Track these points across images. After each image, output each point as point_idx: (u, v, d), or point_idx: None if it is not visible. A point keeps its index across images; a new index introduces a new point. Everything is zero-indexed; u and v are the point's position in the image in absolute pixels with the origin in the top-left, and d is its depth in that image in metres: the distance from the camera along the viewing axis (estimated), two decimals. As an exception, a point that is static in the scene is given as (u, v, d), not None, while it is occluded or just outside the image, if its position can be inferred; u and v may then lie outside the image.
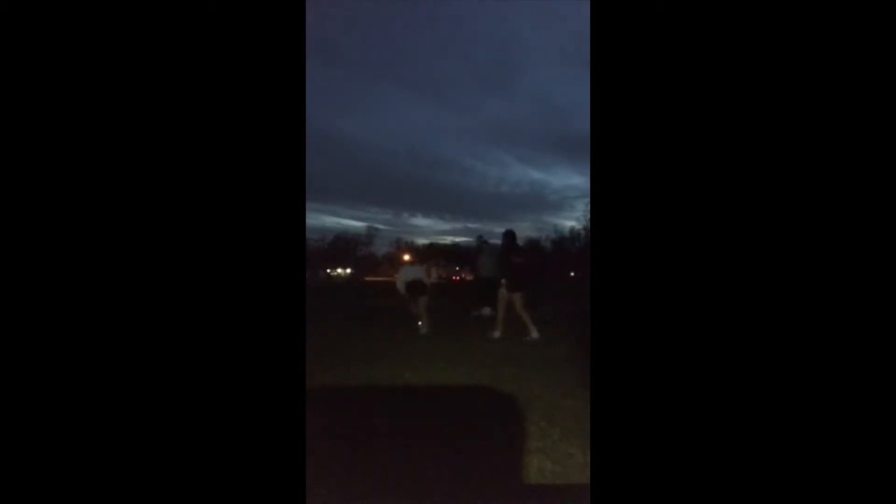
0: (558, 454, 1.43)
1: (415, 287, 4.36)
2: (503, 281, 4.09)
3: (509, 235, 4.27)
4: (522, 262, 4.13)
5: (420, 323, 4.35)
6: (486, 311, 5.72)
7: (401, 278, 4.49)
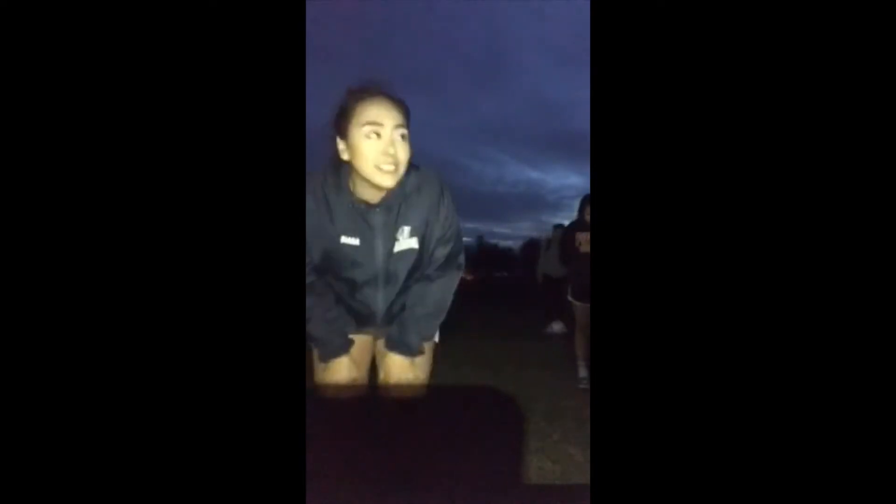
0: (558, 454, 1.43)
1: None
2: (570, 287, 2.48)
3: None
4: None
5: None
6: (557, 327, 4.24)
7: None
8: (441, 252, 0.94)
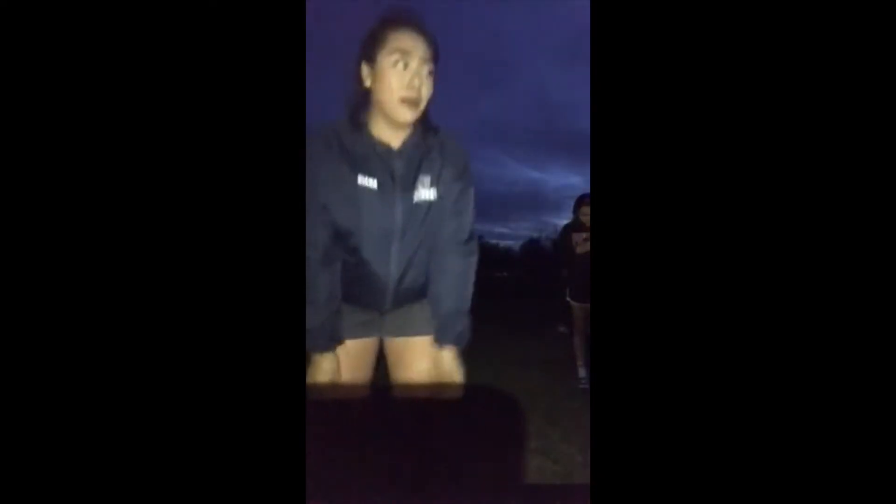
0: (558, 454, 1.43)
1: None
2: (568, 288, 2.55)
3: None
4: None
5: None
6: (561, 328, 4.02)
7: None
8: (453, 223, 0.90)
